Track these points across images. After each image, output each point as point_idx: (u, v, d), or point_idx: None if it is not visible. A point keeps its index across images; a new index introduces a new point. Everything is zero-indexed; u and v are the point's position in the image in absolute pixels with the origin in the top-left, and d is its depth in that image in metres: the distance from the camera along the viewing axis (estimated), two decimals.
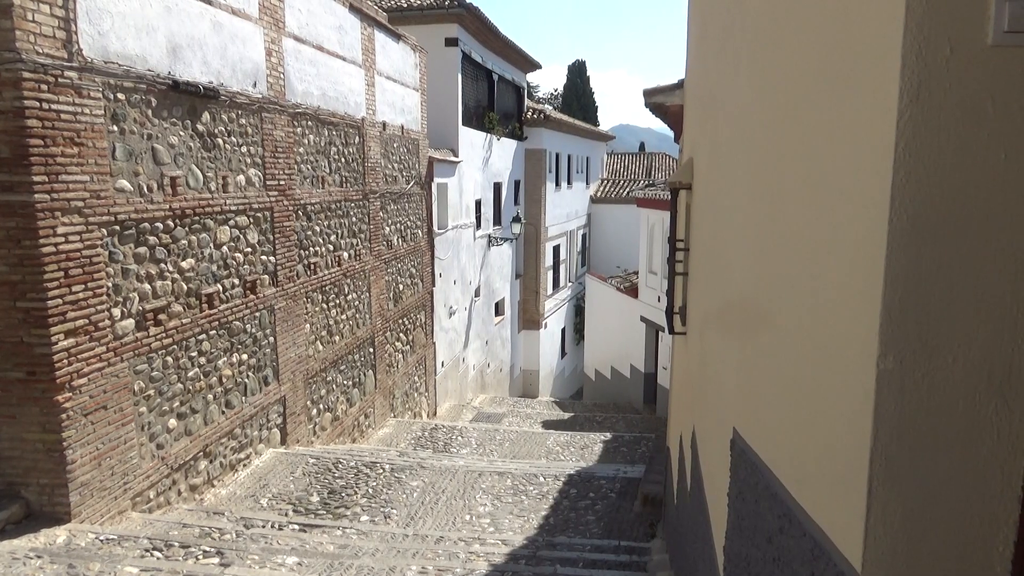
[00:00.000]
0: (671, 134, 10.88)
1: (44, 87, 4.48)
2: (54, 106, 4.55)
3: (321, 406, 8.87)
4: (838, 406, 1.21)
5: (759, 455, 1.71)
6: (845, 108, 1.20)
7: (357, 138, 9.71)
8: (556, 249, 23.52)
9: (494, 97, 17.95)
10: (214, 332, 6.48)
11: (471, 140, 15.86)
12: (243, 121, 6.87)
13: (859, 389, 1.11)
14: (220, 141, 6.49)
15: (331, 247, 8.98)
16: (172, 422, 5.90)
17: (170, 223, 5.79)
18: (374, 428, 10.67)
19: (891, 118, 1.02)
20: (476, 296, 16.81)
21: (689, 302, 4.72)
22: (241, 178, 6.86)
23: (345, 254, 9.42)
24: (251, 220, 7.06)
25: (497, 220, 18.63)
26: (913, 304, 1.05)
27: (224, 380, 6.66)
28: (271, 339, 7.52)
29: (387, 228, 10.97)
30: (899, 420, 1.07)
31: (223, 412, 6.68)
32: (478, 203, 16.65)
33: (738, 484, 1.92)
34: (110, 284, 5.14)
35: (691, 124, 5.31)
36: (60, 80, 4.60)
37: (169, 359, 5.84)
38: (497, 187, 18.47)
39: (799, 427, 1.43)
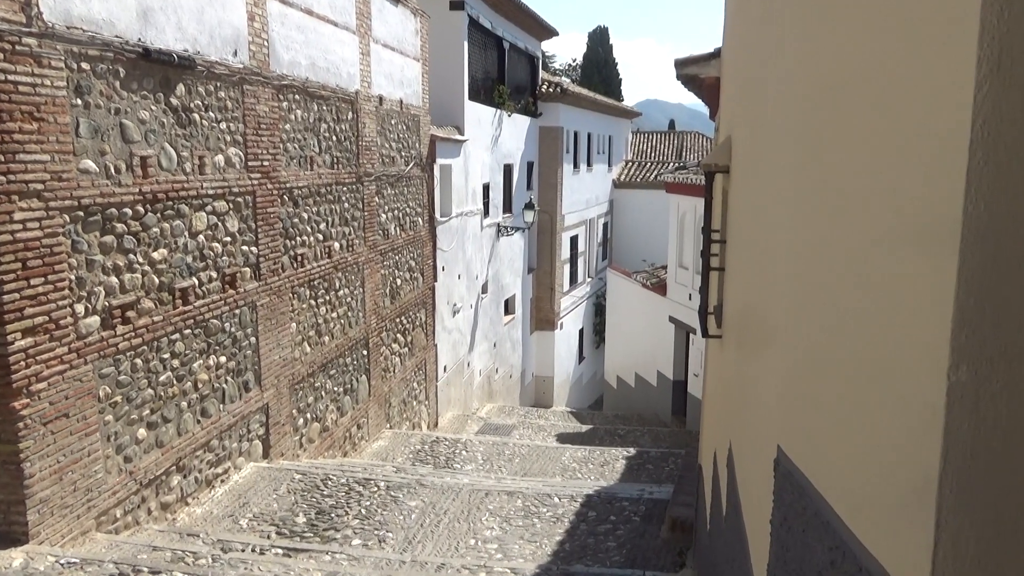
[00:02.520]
0: (705, 110, 10.82)
1: None
2: (11, 77, 4.57)
3: (308, 415, 8.90)
4: (902, 423, 1.18)
5: (808, 477, 1.69)
6: (911, 80, 1.17)
7: (350, 114, 9.72)
8: (574, 240, 23.50)
9: (505, 68, 17.94)
10: (189, 331, 6.51)
11: (479, 117, 15.85)
12: (222, 94, 6.88)
13: (926, 404, 1.09)
14: (196, 117, 6.50)
15: (320, 236, 9.00)
16: (141, 432, 5.94)
17: (140, 209, 5.81)
18: (368, 440, 10.70)
19: (967, 91, 1.00)
20: (483, 293, 16.82)
21: (725, 301, 4.69)
22: (220, 158, 6.88)
23: (336, 244, 9.44)
24: (231, 205, 7.08)
25: (507, 207, 18.62)
26: (990, 307, 1.02)
27: (200, 385, 6.70)
28: (252, 340, 7.54)
29: (383, 215, 10.98)
30: (973, 439, 1.04)
31: (198, 421, 6.71)
32: (486, 187, 16.65)
33: (783, 510, 1.90)
34: (73, 277, 5.17)
35: (729, 98, 5.27)
36: (18, 48, 4.62)
37: (138, 361, 5.87)
38: (508, 170, 18.46)
39: (855, 446, 1.41)
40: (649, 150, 33.75)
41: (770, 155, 2.61)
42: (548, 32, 20.84)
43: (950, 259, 1.03)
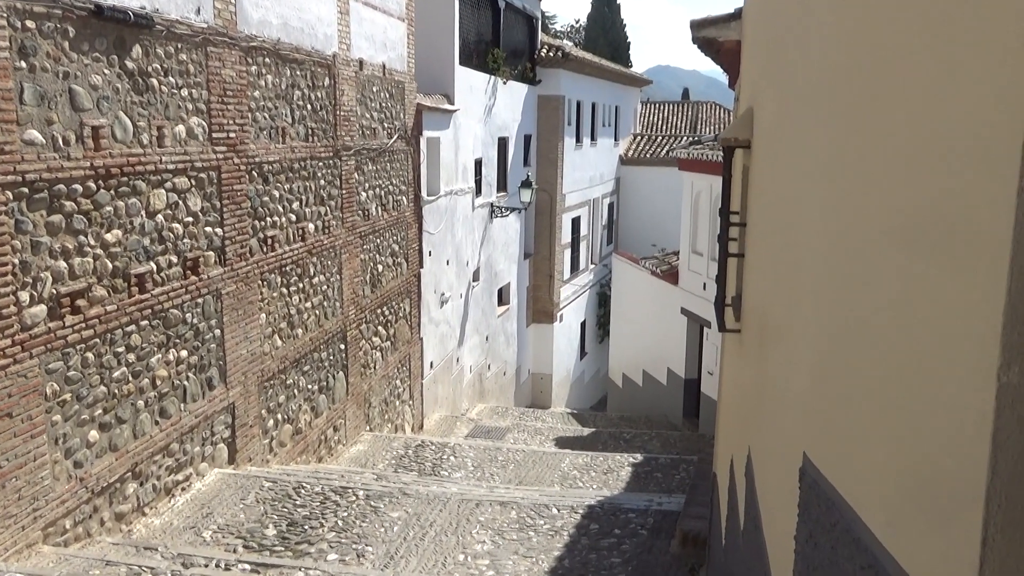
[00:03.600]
0: (724, 78, 10.80)
1: None
2: None
3: (279, 416, 8.90)
4: (944, 428, 1.18)
5: (837, 489, 1.69)
6: (963, 45, 1.17)
7: (327, 80, 9.67)
8: (576, 222, 23.48)
9: (500, 30, 17.85)
10: (146, 322, 6.49)
11: (470, 84, 15.80)
12: (183, 57, 6.83)
13: (973, 408, 1.08)
14: (155, 82, 6.46)
15: (293, 217, 8.98)
16: (93, 434, 5.93)
17: (92, 185, 5.78)
18: (345, 444, 10.72)
19: None
20: (474, 280, 16.81)
21: (745, 291, 4.69)
22: (181, 129, 6.84)
23: (311, 226, 9.41)
24: (193, 182, 7.05)
25: (502, 185, 18.58)
26: None
27: (158, 383, 6.69)
28: (217, 332, 7.53)
29: (364, 194, 10.95)
30: None
31: (157, 423, 6.71)
32: (478, 163, 16.61)
33: (809, 524, 1.91)
34: (16, 261, 5.14)
35: (751, 65, 5.25)
36: None
37: (90, 356, 5.85)
38: (503, 143, 18.41)
39: (891, 454, 1.41)
40: (660, 122, 33.67)
41: (798, 129, 2.61)
42: None
43: (1002, 246, 1.03)
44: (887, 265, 1.47)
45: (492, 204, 17.71)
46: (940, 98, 1.24)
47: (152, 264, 6.54)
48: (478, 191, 16.68)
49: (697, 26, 8.33)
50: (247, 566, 5.81)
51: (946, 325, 1.19)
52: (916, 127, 1.34)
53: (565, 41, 30.73)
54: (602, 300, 26.25)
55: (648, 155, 28.47)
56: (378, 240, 11.63)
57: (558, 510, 7.66)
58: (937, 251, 1.23)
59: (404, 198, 12.60)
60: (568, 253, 23.03)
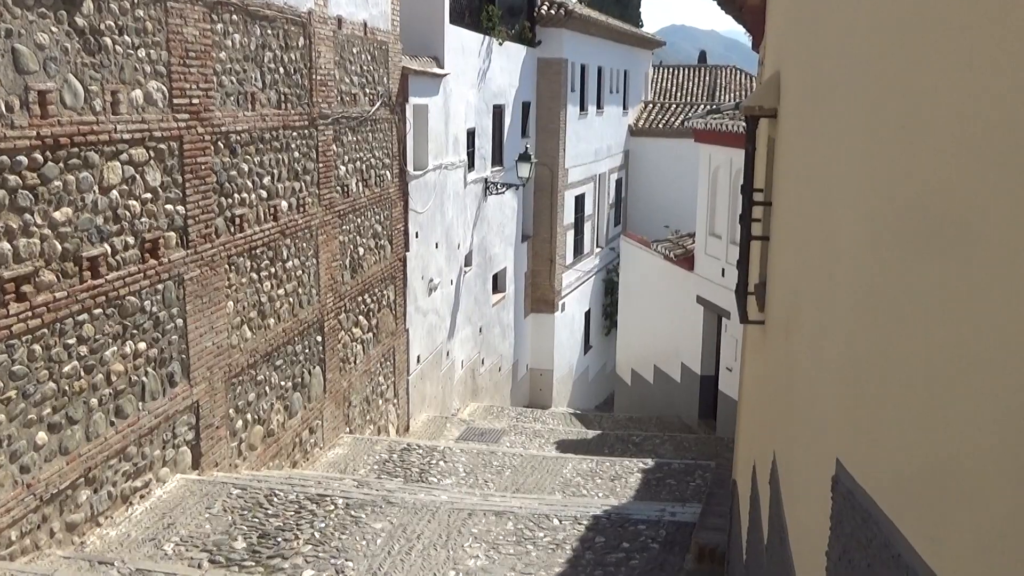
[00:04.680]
0: (747, 39, 10.78)
1: None
2: None
3: (249, 416, 8.90)
4: (998, 433, 1.17)
5: (876, 500, 1.69)
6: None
7: (301, 39, 9.63)
8: (579, 200, 23.47)
9: None
10: (99, 311, 6.47)
11: (462, 45, 15.74)
12: (140, 13, 6.79)
13: None
14: (108, 41, 6.43)
15: (264, 193, 8.95)
16: (42, 436, 5.92)
17: (38, 157, 5.75)
18: (322, 447, 10.73)
19: None
20: (467, 265, 16.81)
21: (770, 278, 4.69)
22: (138, 93, 6.81)
23: (284, 203, 9.39)
24: (152, 154, 7.02)
25: (498, 158, 18.55)
26: None
27: (113, 379, 6.68)
28: (179, 322, 7.52)
29: (343, 167, 10.92)
30: None
31: (112, 423, 6.70)
32: (471, 134, 16.58)
33: (843, 540, 1.90)
34: None
35: (778, 24, 5.24)
36: None
37: (37, 348, 5.84)
38: (498, 112, 18.37)
39: (936, 461, 1.40)
40: (674, 89, 33.64)
41: (832, 96, 2.59)
42: None
43: None
44: (934, 250, 1.46)
45: (486, 180, 17.68)
46: (999, 56, 1.23)
47: (106, 246, 6.51)
48: (471, 165, 16.66)
49: None
50: None
51: (1002, 318, 1.17)
52: (971, 92, 1.33)
53: None
54: (609, 288, 26.29)
55: (661, 125, 28.44)
56: (359, 220, 11.60)
57: (560, 521, 7.69)
58: (994, 235, 1.22)
59: (388, 173, 12.57)
60: (571, 235, 23.03)
